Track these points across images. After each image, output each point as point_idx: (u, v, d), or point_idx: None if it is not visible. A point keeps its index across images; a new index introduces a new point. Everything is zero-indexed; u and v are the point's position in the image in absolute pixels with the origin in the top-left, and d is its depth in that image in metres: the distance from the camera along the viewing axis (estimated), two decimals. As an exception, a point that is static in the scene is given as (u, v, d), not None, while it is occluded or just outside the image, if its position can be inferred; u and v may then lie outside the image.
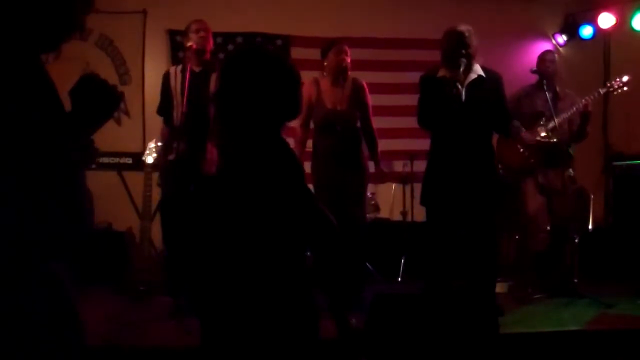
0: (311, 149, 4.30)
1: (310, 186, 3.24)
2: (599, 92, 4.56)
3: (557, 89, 4.71)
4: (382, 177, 4.47)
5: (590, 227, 5.09)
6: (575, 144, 4.74)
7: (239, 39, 5.80)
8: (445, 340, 3.00)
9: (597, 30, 6.15)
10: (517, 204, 4.70)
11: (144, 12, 5.75)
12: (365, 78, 4.44)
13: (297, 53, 5.75)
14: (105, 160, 5.36)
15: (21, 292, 1.35)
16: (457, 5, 5.80)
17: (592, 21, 6.11)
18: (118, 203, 4.99)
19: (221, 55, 5.56)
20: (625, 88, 4.53)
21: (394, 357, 2.98)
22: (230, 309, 1.70)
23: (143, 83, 5.74)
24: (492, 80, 3.81)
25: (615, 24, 5.96)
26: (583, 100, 4.48)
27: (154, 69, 5.58)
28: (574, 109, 4.52)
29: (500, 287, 4.48)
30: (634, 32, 5.89)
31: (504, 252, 4.99)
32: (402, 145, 5.65)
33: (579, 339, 3.64)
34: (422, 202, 3.98)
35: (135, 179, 4.91)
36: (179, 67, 4.15)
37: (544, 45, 5.95)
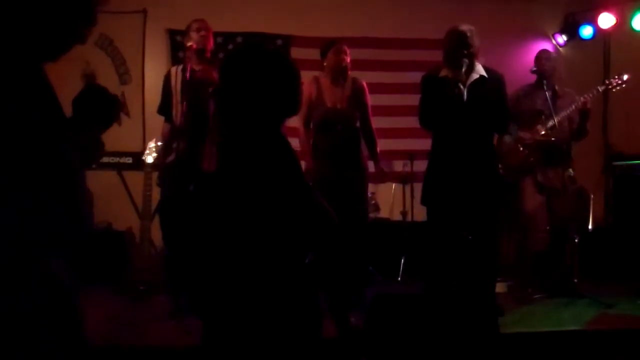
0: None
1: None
2: (598, 90, 4.56)
3: (556, 87, 4.71)
4: (382, 177, 4.47)
5: (590, 227, 5.08)
6: (576, 142, 4.75)
7: (239, 39, 5.80)
8: (445, 340, 3.00)
9: (597, 30, 6.15)
10: (516, 203, 4.70)
11: (144, 12, 5.75)
12: (365, 78, 4.44)
13: (297, 53, 5.74)
14: (105, 159, 5.36)
15: (21, 291, 1.35)
16: (457, 5, 5.80)
17: (592, 21, 6.11)
18: (118, 203, 5.00)
19: (221, 55, 5.57)
20: (623, 85, 4.53)
21: (394, 357, 2.98)
22: (232, 308, 1.70)
23: (143, 83, 5.74)
24: (494, 81, 3.81)
25: (615, 24, 5.96)
26: (582, 98, 4.48)
27: (154, 69, 5.59)
28: (573, 107, 4.52)
29: (500, 287, 4.48)
30: (634, 32, 5.89)
31: (504, 252, 4.99)
32: (402, 145, 5.65)
33: (579, 339, 3.64)
34: (423, 202, 3.97)
35: (135, 178, 4.91)
36: (180, 67, 4.16)
37: (544, 45, 5.94)
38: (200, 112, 3.95)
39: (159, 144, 4.41)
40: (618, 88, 4.56)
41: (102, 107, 1.54)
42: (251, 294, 1.69)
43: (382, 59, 6.04)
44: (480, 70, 3.78)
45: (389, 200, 5.81)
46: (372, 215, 5.45)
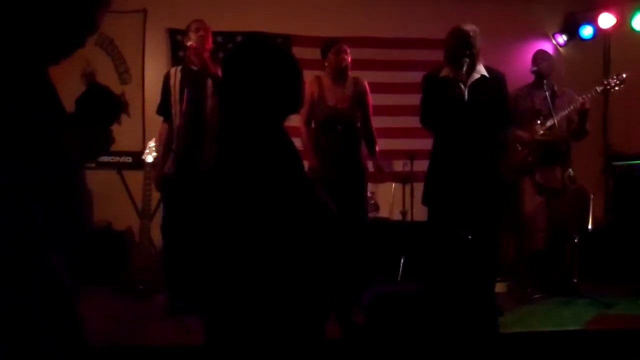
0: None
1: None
2: (596, 90, 4.56)
3: (555, 87, 4.71)
4: (381, 175, 4.45)
5: (590, 227, 5.08)
6: (575, 142, 4.75)
7: (239, 38, 5.79)
8: (444, 340, 3.00)
9: (597, 31, 6.14)
10: (515, 203, 4.70)
11: (144, 12, 5.75)
12: (365, 77, 4.45)
13: (297, 52, 5.68)
14: (105, 159, 5.36)
15: (21, 290, 1.35)
16: (457, 5, 5.80)
17: (592, 21, 6.11)
18: (118, 202, 5.00)
19: (221, 54, 5.57)
20: (622, 85, 4.52)
21: (394, 357, 2.98)
22: (235, 306, 1.69)
23: (143, 82, 5.74)
24: (495, 80, 3.80)
25: (615, 24, 5.96)
26: (580, 98, 4.48)
27: (154, 68, 5.59)
28: (572, 107, 4.52)
29: (499, 287, 4.49)
30: (634, 32, 5.88)
31: (503, 252, 4.99)
32: (402, 144, 5.65)
33: (579, 339, 3.64)
34: (424, 202, 3.97)
35: (135, 178, 4.91)
36: (179, 68, 4.18)
37: (544, 45, 5.95)
38: (199, 111, 3.96)
39: (157, 144, 4.40)
40: (616, 88, 4.56)
41: (104, 106, 1.54)
42: (254, 292, 1.68)
43: (382, 59, 6.04)
44: (481, 70, 3.78)
45: (389, 199, 5.81)
46: (371, 214, 5.46)
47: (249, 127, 1.75)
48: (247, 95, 1.74)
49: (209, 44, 4.12)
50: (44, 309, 1.39)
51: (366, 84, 4.33)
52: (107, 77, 5.48)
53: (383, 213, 5.79)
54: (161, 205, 4.37)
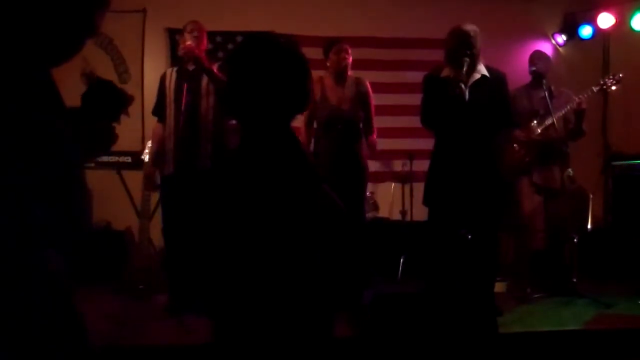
0: (312, 148, 4.30)
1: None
2: (593, 90, 4.56)
3: (552, 87, 4.71)
4: (373, 152, 4.36)
5: (589, 226, 5.09)
6: (572, 142, 4.75)
7: (239, 38, 5.79)
8: (444, 340, 3.00)
9: (597, 30, 6.15)
10: (515, 203, 4.70)
11: (144, 11, 5.75)
12: (366, 77, 4.45)
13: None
14: (104, 159, 5.37)
15: (21, 290, 1.35)
16: (457, 4, 5.80)
17: (592, 21, 6.12)
18: (117, 202, 5.00)
19: (221, 54, 5.57)
20: (619, 84, 4.52)
21: (394, 356, 2.98)
22: (244, 306, 1.67)
23: (142, 82, 5.74)
24: (496, 80, 3.80)
25: (615, 24, 5.96)
26: (576, 98, 4.48)
27: (153, 68, 5.58)
28: (568, 107, 4.53)
29: (499, 287, 4.49)
30: (634, 32, 5.89)
31: (503, 252, 4.99)
32: (401, 144, 5.66)
33: (578, 339, 3.64)
34: (425, 202, 3.96)
35: (134, 177, 4.91)
36: (175, 69, 4.19)
37: (544, 45, 5.96)
38: (195, 111, 3.96)
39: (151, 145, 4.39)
40: (613, 87, 4.56)
41: (111, 100, 1.54)
42: (264, 293, 1.66)
43: (382, 59, 6.04)
44: (482, 70, 3.77)
45: (389, 199, 5.81)
46: (371, 214, 5.46)
47: (255, 127, 1.71)
48: (255, 94, 1.68)
49: (204, 45, 4.13)
50: (44, 309, 1.39)
51: (368, 84, 4.33)
52: (107, 76, 5.33)
53: (383, 213, 5.79)
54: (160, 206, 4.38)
